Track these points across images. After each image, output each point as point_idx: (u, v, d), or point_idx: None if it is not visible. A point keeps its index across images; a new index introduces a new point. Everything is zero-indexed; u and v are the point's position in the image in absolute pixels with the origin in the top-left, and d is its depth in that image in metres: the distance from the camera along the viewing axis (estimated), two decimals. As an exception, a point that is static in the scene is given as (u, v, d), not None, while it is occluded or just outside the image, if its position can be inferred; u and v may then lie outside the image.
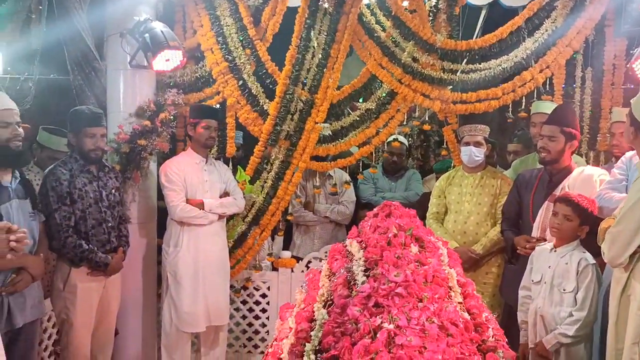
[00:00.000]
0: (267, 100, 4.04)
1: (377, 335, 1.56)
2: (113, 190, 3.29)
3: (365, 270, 1.94)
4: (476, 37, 3.98)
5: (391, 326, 1.58)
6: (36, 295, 2.76)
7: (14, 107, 2.65)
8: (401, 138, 4.82)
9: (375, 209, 2.48)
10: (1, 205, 2.51)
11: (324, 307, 1.91)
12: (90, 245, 3.09)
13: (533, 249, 2.96)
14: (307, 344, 1.72)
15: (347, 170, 4.60)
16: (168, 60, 3.57)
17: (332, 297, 1.92)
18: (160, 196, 3.80)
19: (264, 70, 4.05)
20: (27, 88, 4.29)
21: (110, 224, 3.22)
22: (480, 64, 3.85)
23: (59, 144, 3.71)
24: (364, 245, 2.14)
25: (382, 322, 1.60)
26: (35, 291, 2.75)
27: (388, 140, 4.52)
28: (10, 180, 2.63)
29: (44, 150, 3.84)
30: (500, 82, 3.85)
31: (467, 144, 3.61)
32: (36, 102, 4.24)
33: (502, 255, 3.54)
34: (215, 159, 3.95)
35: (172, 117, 3.78)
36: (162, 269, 3.72)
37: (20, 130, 2.64)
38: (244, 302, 4.28)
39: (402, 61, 3.87)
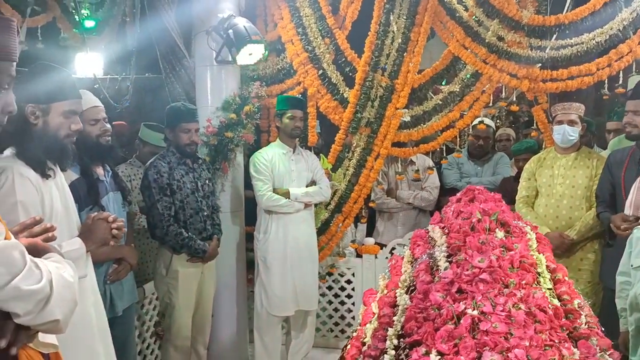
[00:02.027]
0: (347, 88, 4.07)
1: (461, 321, 1.54)
2: (207, 181, 3.45)
3: (448, 256, 1.92)
4: (566, 11, 3.75)
5: (475, 312, 1.55)
6: (130, 283, 2.96)
7: (99, 104, 2.77)
8: (487, 120, 4.67)
9: (458, 194, 2.43)
10: (102, 198, 2.72)
11: (406, 292, 1.91)
12: (189, 233, 3.26)
13: (628, 230, 2.77)
14: (389, 328, 1.73)
15: (431, 156, 4.52)
16: (251, 54, 3.68)
17: (414, 283, 1.92)
18: (248, 186, 3.95)
19: (343, 59, 4.08)
20: (125, 87, 4.60)
21: (205, 213, 3.38)
22: (571, 39, 3.64)
23: (159, 139, 3.87)
24: (446, 230, 2.11)
25: (465, 308, 1.58)
26: (129, 279, 2.94)
27: (473, 123, 4.39)
28: (104, 174, 2.81)
29: (146, 146, 4.04)
30: (594, 57, 3.62)
31: (560, 122, 3.41)
32: (133, 100, 4.53)
33: (599, 241, 3.34)
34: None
35: (256, 109, 3.89)
36: (254, 255, 3.88)
37: (108, 126, 2.76)
38: (330, 288, 4.37)
39: (487, 40, 3.74)
